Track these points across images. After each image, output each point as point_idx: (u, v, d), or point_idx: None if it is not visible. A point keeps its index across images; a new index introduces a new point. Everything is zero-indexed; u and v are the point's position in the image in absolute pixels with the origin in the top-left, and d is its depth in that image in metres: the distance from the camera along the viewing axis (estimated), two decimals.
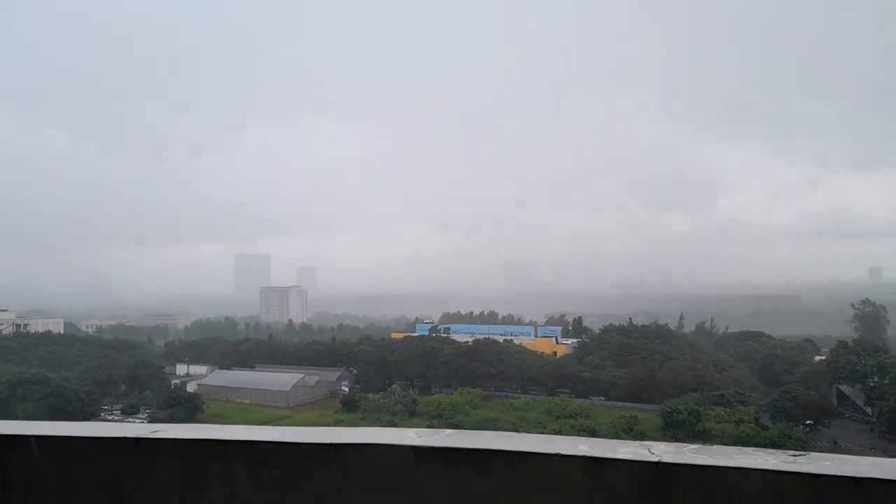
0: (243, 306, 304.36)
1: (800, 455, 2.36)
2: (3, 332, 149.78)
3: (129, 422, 49.74)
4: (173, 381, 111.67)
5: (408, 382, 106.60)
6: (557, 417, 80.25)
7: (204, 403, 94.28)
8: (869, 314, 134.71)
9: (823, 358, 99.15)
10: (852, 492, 2.12)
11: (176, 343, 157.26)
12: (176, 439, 3.18)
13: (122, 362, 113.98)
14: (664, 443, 2.63)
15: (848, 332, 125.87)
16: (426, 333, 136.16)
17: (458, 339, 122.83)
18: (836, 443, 73.77)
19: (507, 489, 2.60)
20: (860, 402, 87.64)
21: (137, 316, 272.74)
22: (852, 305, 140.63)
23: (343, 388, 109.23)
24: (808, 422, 76.00)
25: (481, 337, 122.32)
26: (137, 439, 3.18)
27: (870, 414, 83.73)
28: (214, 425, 3.84)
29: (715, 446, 2.64)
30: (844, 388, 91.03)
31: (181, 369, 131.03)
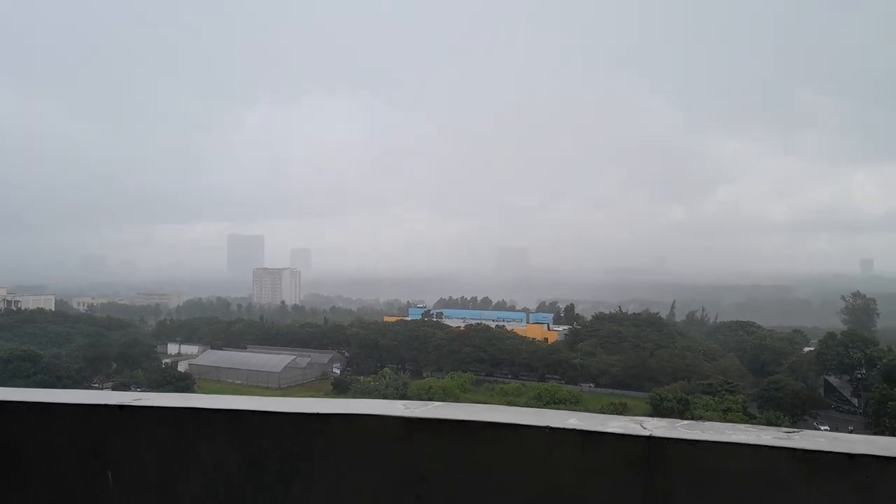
0: (236, 287, 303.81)
1: (793, 431, 2.35)
2: None
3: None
4: (164, 361, 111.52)
5: (399, 366, 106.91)
6: (547, 403, 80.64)
7: (194, 383, 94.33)
8: (859, 306, 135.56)
9: (812, 349, 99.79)
10: (846, 468, 2.10)
11: (168, 322, 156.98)
12: (159, 407, 3.16)
13: (114, 340, 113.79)
14: (656, 418, 2.60)
15: (837, 324, 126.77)
16: (419, 318, 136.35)
17: (451, 325, 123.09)
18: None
19: (496, 461, 2.57)
20: (847, 394, 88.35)
21: (129, 294, 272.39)
22: (842, 297, 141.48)
23: (334, 370, 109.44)
24: (798, 412, 76.68)
25: (473, 322, 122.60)
26: (120, 407, 3.15)
27: (856, 405, 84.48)
28: (198, 394, 3.83)
29: (707, 422, 2.58)
30: (832, 379, 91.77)
31: (172, 349, 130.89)
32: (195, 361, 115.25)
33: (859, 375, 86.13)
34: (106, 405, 3.18)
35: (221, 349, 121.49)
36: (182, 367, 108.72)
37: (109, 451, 3.13)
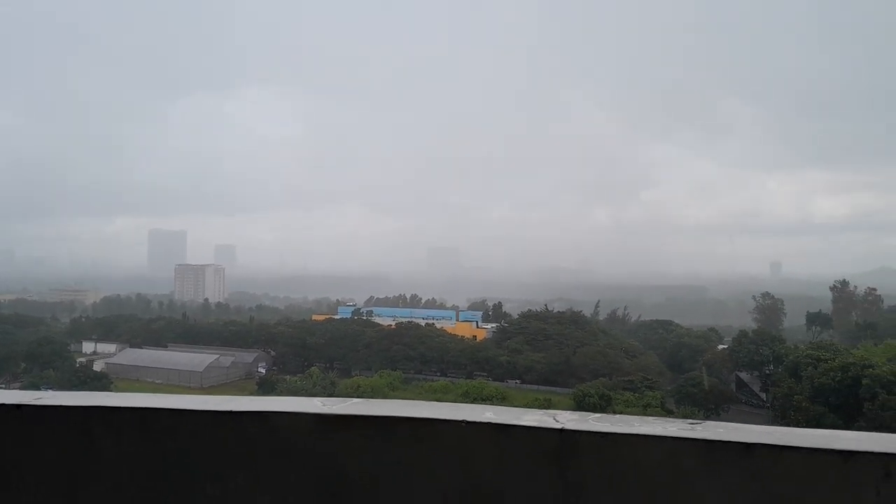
0: (157, 284, 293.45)
1: (697, 423, 2.52)
2: None
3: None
4: (79, 360, 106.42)
5: (327, 365, 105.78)
6: (474, 399, 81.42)
7: (112, 383, 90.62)
8: (768, 306, 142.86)
9: (726, 346, 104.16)
10: (744, 457, 2.24)
11: (83, 320, 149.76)
12: (62, 406, 2.97)
13: (22, 339, 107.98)
14: (569, 411, 2.73)
15: (749, 323, 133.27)
16: (349, 316, 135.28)
17: (381, 323, 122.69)
18: None
19: (413, 455, 2.62)
20: (756, 389, 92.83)
21: (41, 291, 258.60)
22: (753, 297, 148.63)
23: (260, 369, 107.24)
24: (711, 405, 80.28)
25: (404, 320, 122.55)
26: (19, 406, 2.97)
27: (765, 399, 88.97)
28: (105, 392, 3.59)
29: (618, 415, 2.71)
30: (743, 375, 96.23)
31: (88, 347, 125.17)
32: (112, 360, 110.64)
33: (768, 371, 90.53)
34: (3, 405, 2.98)
35: (141, 347, 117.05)
36: (98, 366, 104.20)
37: (6, 452, 2.95)
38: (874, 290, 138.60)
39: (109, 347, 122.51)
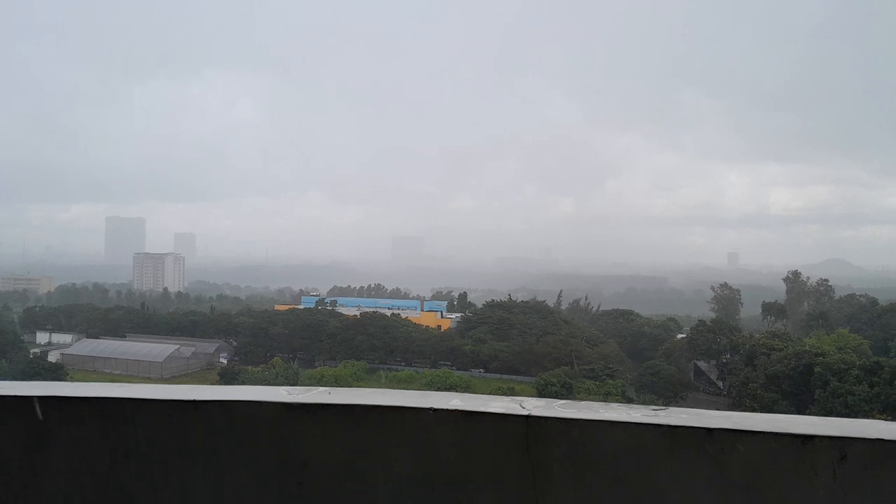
0: (114, 273, 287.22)
1: (660, 409, 2.59)
2: None
3: None
4: (32, 351, 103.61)
5: (290, 355, 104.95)
6: (439, 389, 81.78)
7: (68, 374, 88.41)
8: (725, 296, 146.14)
9: (684, 336, 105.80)
10: (705, 441, 2.33)
11: (37, 309, 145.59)
12: (15, 396, 2.89)
13: None
14: (535, 398, 2.73)
15: (707, 313, 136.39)
16: (312, 306, 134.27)
17: (346, 313, 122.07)
18: None
19: (381, 444, 2.61)
20: (714, 377, 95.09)
21: None
22: (712, 288, 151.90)
23: (221, 359, 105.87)
24: (669, 395, 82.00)
25: (368, 310, 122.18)
26: None
27: (721, 387, 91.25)
28: (62, 382, 3.46)
29: (583, 401, 2.80)
30: (701, 364, 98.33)
31: (42, 338, 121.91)
32: (68, 351, 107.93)
33: (725, 360, 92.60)
34: None
35: (98, 338, 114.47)
36: (54, 357, 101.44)
37: None
38: (826, 280, 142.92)
39: (65, 338, 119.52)
